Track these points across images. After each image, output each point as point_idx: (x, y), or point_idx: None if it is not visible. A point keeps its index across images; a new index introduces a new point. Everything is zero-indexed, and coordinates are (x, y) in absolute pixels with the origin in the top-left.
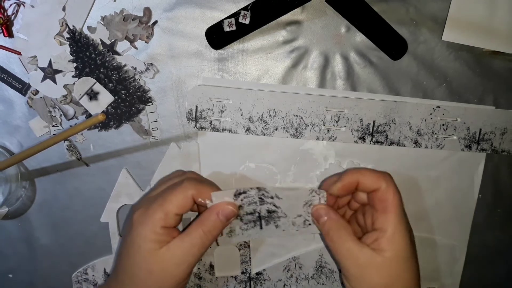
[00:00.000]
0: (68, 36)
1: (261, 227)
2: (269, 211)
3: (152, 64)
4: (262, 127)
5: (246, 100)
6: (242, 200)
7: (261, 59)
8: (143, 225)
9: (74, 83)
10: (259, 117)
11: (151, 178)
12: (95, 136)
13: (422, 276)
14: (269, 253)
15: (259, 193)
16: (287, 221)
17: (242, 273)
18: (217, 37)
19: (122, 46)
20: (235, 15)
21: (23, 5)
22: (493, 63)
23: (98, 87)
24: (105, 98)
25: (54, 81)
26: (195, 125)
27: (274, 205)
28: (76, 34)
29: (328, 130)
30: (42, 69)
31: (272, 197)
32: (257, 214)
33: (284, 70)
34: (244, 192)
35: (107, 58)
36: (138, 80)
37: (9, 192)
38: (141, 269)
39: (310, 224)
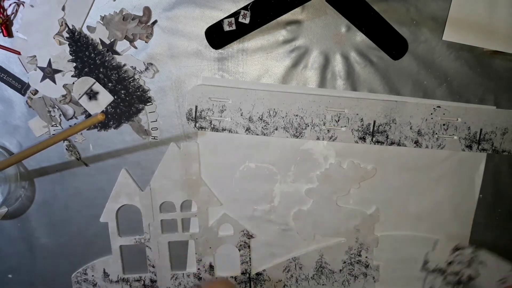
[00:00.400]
0: (68, 35)
1: None
2: (470, 277)
3: (151, 64)
4: (262, 127)
5: (246, 100)
6: (455, 256)
7: (261, 59)
8: None
9: (73, 83)
10: (259, 117)
11: (150, 178)
12: (95, 136)
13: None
14: (269, 254)
15: (473, 254)
16: None
17: (242, 273)
18: (217, 36)
19: (121, 45)
20: (235, 14)
21: (23, 5)
22: (494, 63)
23: (97, 86)
24: (105, 98)
25: (54, 80)
26: (195, 125)
27: (477, 271)
28: (76, 33)
29: (328, 130)
30: (41, 68)
31: (480, 262)
32: (459, 277)
33: (284, 69)
34: (462, 248)
35: (107, 58)
36: (137, 79)
37: (9, 192)
38: None
39: None
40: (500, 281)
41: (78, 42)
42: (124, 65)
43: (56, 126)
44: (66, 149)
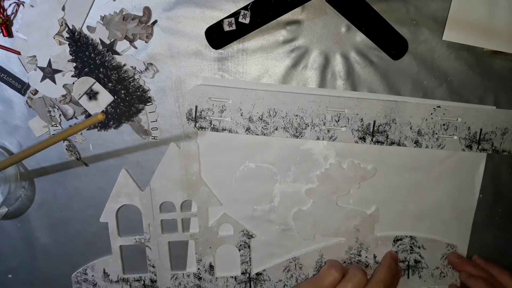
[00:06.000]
0: (68, 35)
1: (408, 277)
2: (416, 261)
3: (151, 64)
4: (262, 127)
5: (246, 100)
6: (398, 246)
7: (261, 59)
8: None
9: (73, 83)
10: (259, 117)
11: (150, 178)
12: (95, 136)
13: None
14: (269, 253)
15: (411, 242)
16: (428, 272)
17: (242, 273)
18: (217, 36)
19: (121, 45)
20: (235, 14)
21: (23, 5)
22: (494, 62)
23: (97, 86)
24: (105, 98)
25: (54, 81)
26: (195, 125)
27: (420, 255)
28: (76, 33)
29: (328, 130)
30: (41, 68)
31: (419, 247)
32: (406, 263)
33: (284, 69)
34: (401, 239)
35: (107, 58)
36: (137, 79)
37: (9, 192)
38: None
39: (444, 276)
40: (442, 259)
41: (78, 42)
42: (124, 65)
43: (56, 126)
44: (66, 149)
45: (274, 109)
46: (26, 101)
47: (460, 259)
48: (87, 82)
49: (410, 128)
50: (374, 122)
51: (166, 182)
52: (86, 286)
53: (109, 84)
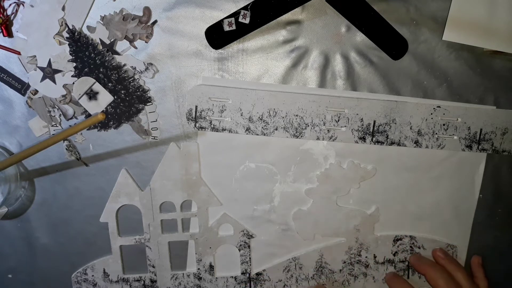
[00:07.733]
0: (68, 35)
1: (408, 277)
2: None
3: (151, 64)
4: (262, 127)
5: (246, 100)
6: (398, 246)
7: (261, 59)
8: None
9: (73, 83)
10: (259, 117)
11: (150, 178)
12: (95, 136)
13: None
14: (269, 253)
15: (411, 242)
16: None
17: (242, 273)
18: (217, 36)
19: (121, 45)
20: (235, 14)
21: (23, 5)
22: (494, 63)
23: (97, 86)
24: (105, 98)
25: (54, 81)
26: (195, 125)
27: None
28: (76, 33)
29: (328, 130)
30: (41, 68)
31: (419, 247)
32: (407, 263)
33: (284, 69)
34: (400, 239)
35: (107, 58)
36: (137, 79)
37: (9, 192)
38: None
39: None
40: None
41: (78, 42)
42: (124, 65)
43: (56, 126)
44: (66, 149)
45: (274, 109)
46: (26, 101)
47: (420, 261)
48: (87, 82)
49: (410, 128)
50: (374, 122)
51: (166, 182)
52: (86, 286)
53: (109, 84)
